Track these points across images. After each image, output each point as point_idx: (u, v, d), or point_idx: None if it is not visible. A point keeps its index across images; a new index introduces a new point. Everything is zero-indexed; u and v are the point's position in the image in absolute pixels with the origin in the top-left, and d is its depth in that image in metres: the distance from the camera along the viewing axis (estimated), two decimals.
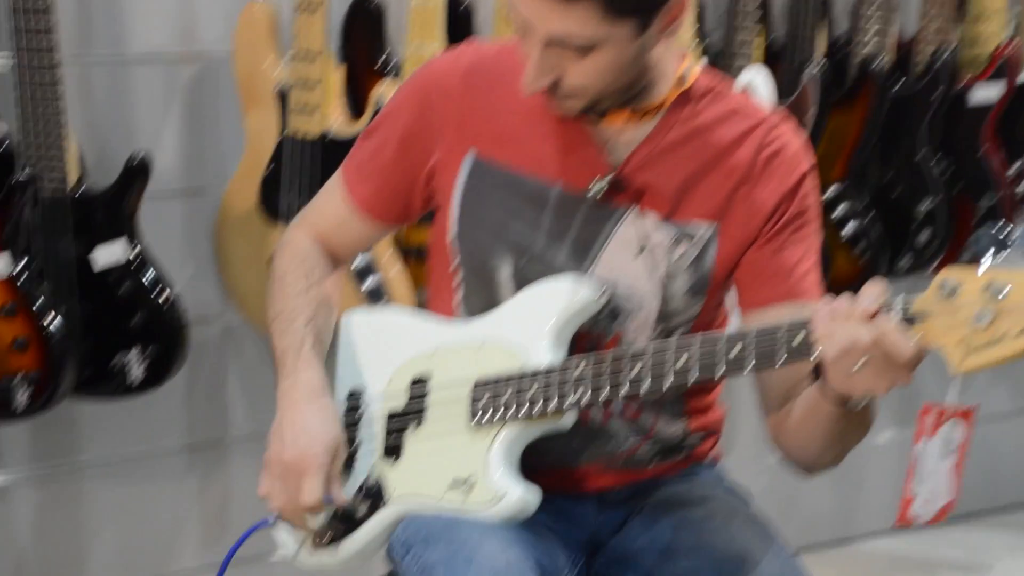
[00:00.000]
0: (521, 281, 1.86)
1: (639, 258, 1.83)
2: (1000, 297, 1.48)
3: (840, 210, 3.04)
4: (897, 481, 3.58)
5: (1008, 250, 1.50)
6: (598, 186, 1.82)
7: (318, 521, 1.85)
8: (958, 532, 3.55)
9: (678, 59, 1.84)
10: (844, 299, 1.61)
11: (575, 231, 1.84)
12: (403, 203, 1.93)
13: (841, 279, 3.08)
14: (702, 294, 1.85)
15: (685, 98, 1.84)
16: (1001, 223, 1.55)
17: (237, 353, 2.87)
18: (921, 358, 1.57)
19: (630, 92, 1.80)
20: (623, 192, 1.83)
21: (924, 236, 3.11)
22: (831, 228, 3.04)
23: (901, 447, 3.55)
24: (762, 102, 1.89)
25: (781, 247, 1.83)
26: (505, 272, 1.87)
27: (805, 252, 1.85)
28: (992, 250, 1.51)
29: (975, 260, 1.52)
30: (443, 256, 1.92)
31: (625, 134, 1.84)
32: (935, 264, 3.16)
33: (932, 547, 3.55)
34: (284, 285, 1.92)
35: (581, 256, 1.84)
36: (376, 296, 2.64)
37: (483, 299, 1.89)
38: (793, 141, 1.86)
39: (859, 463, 3.51)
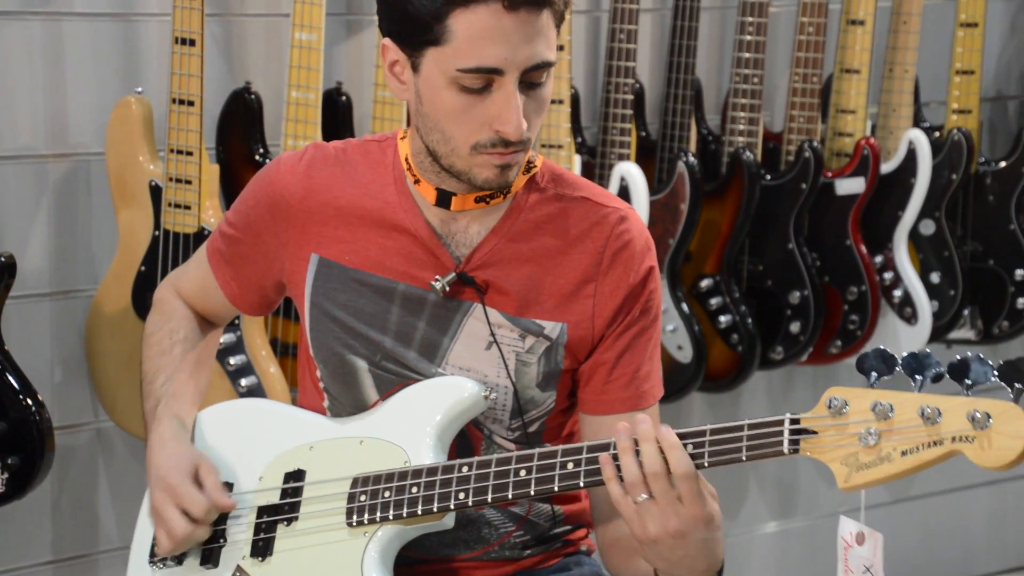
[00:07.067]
0: (378, 379, 1.84)
1: (489, 352, 1.82)
2: (886, 417, 1.55)
3: (715, 302, 3.08)
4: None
5: (894, 371, 1.57)
6: (441, 283, 1.81)
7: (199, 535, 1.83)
8: None
9: None
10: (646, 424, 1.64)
11: (423, 327, 1.83)
12: (257, 297, 1.95)
13: (717, 370, 3.11)
14: (554, 385, 1.84)
15: (531, 185, 1.83)
16: (881, 350, 1.64)
17: (108, 460, 2.79)
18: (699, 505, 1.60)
19: None
20: (468, 287, 1.81)
21: (795, 326, 3.15)
22: (706, 319, 3.07)
23: (780, 538, 3.56)
24: (609, 192, 1.88)
25: (626, 348, 1.82)
26: (362, 370, 1.85)
27: (649, 352, 1.84)
28: (878, 370, 1.58)
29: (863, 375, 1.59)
30: (308, 360, 1.90)
31: (471, 225, 1.82)
32: (805, 355, 3.21)
33: None
34: (149, 346, 1.97)
35: (431, 352, 1.83)
36: (253, 395, 2.59)
37: (349, 400, 1.87)
38: (639, 236, 1.83)
39: (741, 556, 3.52)
